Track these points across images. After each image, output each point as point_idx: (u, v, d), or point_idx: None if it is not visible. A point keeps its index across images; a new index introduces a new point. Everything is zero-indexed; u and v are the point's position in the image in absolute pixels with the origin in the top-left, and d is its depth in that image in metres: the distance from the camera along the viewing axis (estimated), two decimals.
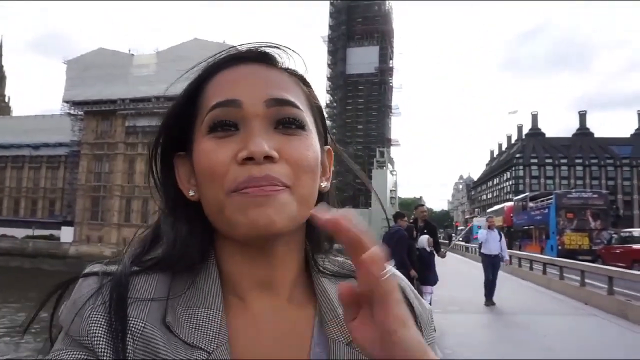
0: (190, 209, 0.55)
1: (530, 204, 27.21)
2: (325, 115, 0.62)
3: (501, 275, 17.72)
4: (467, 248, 30.05)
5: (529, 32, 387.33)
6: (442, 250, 7.89)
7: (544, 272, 13.54)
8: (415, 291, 0.62)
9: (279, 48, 0.57)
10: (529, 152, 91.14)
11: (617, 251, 15.84)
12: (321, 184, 0.57)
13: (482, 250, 9.68)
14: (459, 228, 61.49)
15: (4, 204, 51.94)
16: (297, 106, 0.53)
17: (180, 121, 0.56)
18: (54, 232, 42.83)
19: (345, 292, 0.42)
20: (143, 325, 0.48)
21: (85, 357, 0.47)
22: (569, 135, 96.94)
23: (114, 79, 41.75)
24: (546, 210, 23.28)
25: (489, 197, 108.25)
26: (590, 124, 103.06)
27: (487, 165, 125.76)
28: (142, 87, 40.79)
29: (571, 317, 8.49)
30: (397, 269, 0.46)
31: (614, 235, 18.14)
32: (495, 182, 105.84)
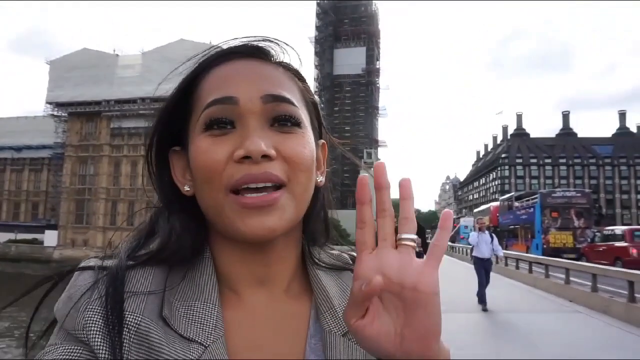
0: (185, 203, 0.56)
1: (516, 204, 27.54)
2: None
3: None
4: (453, 248, 30.29)
5: (513, 33, 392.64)
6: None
7: (530, 270, 13.71)
8: None
9: (273, 42, 0.57)
10: (514, 152, 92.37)
11: (601, 249, 16.12)
12: (317, 178, 0.57)
13: (474, 254, 9.31)
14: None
15: None
16: (293, 103, 0.53)
17: (175, 116, 0.56)
18: (38, 236, 42.09)
19: (375, 288, 0.41)
20: (139, 319, 0.48)
21: (81, 351, 0.46)
22: (553, 135, 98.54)
23: (99, 80, 41.24)
24: (531, 210, 23.58)
25: (475, 197, 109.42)
26: (573, 124, 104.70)
27: (473, 165, 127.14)
28: (128, 88, 40.37)
29: (557, 315, 8.61)
30: None
31: (597, 233, 18.44)
32: (481, 182, 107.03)
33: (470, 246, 9.78)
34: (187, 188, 0.55)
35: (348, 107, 63.72)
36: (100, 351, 0.45)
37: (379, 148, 65.10)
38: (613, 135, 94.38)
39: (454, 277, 13.34)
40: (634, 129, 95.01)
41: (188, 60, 0.57)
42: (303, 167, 0.52)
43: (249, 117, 0.51)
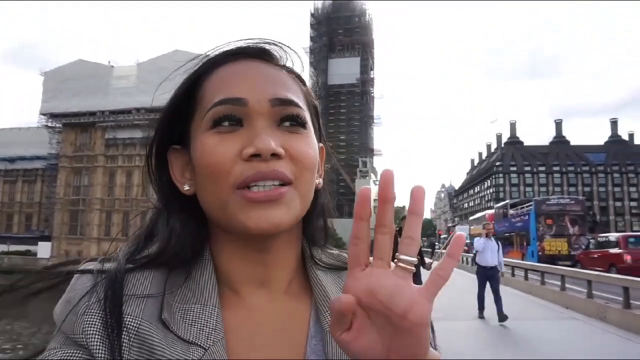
0: (184, 203, 0.55)
1: (511, 211, 27.66)
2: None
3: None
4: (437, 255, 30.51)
5: (506, 42, 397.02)
6: (427, 262, 7.93)
7: (526, 277, 13.75)
8: None
9: (276, 45, 0.57)
10: (508, 160, 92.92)
11: (595, 256, 16.17)
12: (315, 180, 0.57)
13: (477, 261, 8.66)
14: (441, 237, 61.97)
15: None
16: (300, 106, 0.53)
17: (177, 114, 0.56)
18: (31, 247, 41.68)
19: (346, 307, 0.40)
20: (139, 322, 0.47)
21: (80, 355, 0.46)
22: (547, 143, 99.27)
23: (93, 91, 41.19)
24: (526, 217, 23.69)
25: (470, 205, 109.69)
26: (566, 132, 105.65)
27: (468, 173, 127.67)
28: (122, 99, 40.34)
29: (552, 321, 8.63)
30: None
31: (591, 240, 18.53)
32: (476, 190, 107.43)
33: (471, 254, 9.48)
34: (186, 187, 0.55)
35: (343, 116, 63.91)
36: (99, 355, 0.45)
37: (374, 157, 65.29)
38: (605, 143, 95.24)
39: (450, 284, 13.31)
40: (625, 137, 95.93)
41: (181, 67, 0.57)
42: (309, 167, 0.52)
43: (257, 117, 0.51)
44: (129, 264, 0.52)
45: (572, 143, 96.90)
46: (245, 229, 0.49)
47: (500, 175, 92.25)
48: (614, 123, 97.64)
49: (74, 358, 0.46)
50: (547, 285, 12.05)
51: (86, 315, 0.47)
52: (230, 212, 0.50)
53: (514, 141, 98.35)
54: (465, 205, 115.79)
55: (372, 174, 52.24)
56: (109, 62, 43.64)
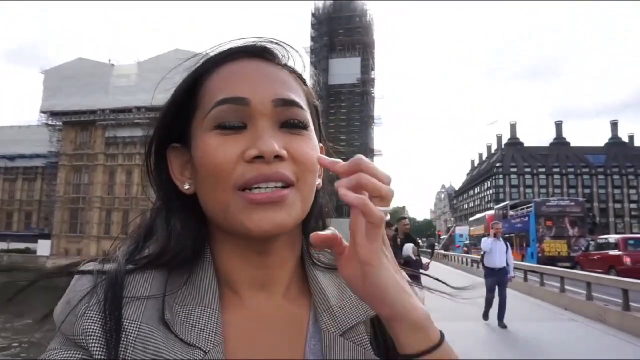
0: (184, 202, 0.55)
1: (511, 213, 27.67)
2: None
3: (481, 282, 18.00)
4: (445, 256, 30.55)
5: (506, 43, 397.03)
6: (424, 263, 7.95)
7: (525, 279, 13.74)
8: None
9: (279, 44, 0.57)
10: (509, 161, 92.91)
11: (595, 257, 16.17)
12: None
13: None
14: (441, 237, 62.02)
15: None
16: (302, 106, 0.54)
17: (177, 112, 0.55)
18: (30, 245, 41.70)
19: (316, 238, 0.46)
20: (138, 324, 0.47)
21: (80, 356, 0.46)
22: (547, 144, 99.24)
23: (94, 89, 41.18)
24: (526, 218, 23.69)
25: (470, 205, 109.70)
26: (566, 133, 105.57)
27: (468, 174, 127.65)
28: (123, 98, 40.34)
29: (552, 323, 8.63)
30: None
31: (591, 242, 18.52)
32: (476, 191, 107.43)
33: (475, 255, 9.24)
34: (186, 186, 0.55)
35: (343, 116, 63.90)
36: (99, 356, 0.45)
37: (374, 157, 65.27)
38: (605, 144, 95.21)
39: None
40: (625, 139, 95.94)
41: (179, 65, 0.57)
42: (311, 168, 0.52)
43: (260, 118, 0.51)
44: (129, 265, 0.52)
45: (572, 144, 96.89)
46: (247, 231, 0.49)
47: (500, 176, 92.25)
48: (614, 125, 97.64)
49: (74, 359, 0.46)
50: (546, 286, 12.05)
51: (86, 316, 0.47)
52: (231, 213, 0.50)
53: (514, 142, 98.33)
54: (465, 206, 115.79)
55: None
56: (110, 61, 43.68)
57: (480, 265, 22.39)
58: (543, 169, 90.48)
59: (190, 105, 0.54)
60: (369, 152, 62.86)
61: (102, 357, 0.45)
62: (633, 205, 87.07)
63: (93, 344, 0.46)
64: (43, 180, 48.00)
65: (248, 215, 0.49)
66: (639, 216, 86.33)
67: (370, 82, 64.67)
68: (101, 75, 41.88)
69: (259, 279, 0.55)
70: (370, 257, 0.44)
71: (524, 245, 23.62)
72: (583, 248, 19.07)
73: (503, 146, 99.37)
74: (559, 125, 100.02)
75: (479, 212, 62.84)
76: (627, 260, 14.42)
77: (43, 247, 40.79)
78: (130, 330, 0.47)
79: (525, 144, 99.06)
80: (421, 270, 0.65)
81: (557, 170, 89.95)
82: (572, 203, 23.30)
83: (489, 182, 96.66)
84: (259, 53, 0.55)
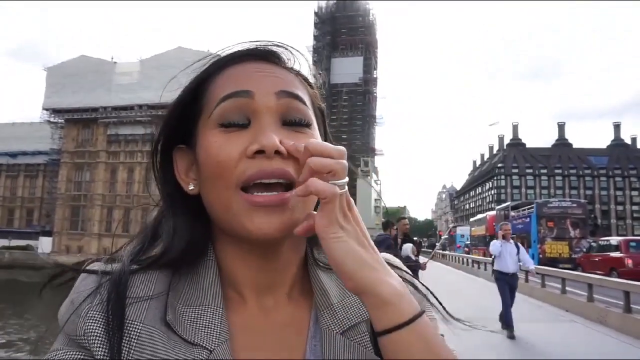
0: (188, 203, 0.55)
1: (512, 213, 27.60)
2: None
3: (482, 283, 18.00)
4: (443, 255, 30.66)
5: (510, 43, 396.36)
6: (421, 262, 7.88)
7: (526, 280, 13.71)
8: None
9: (285, 48, 0.57)
10: (510, 162, 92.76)
11: (596, 259, 16.11)
12: None
13: (495, 267, 7.65)
14: (442, 237, 61.97)
15: None
16: (305, 102, 0.54)
17: (183, 114, 0.56)
18: (32, 242, 41.78)
19: (299, 231, 0.48)
20: (141, 324, 0.48)
21: (82, 357, 0.47)
22: (549, 145, 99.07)
23: (96, 87, 41.25)
24: (527, 219, 23.64)
25: (471, 206, 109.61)
26: (568, 135, 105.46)
27: (469, 175, 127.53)
28: (125, 95, 40.39)
29: (553, 324, 8.60)
30: None
31: (592, 243, 18.46)
32: (477, 192, 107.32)
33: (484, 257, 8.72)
34: (191, 187, 0.55)
35: (345, 115, 63.94)
36: (102, 357, 0.45)
37: (375, 156, 65.30)
38: (608, 146, 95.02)
39: (448, 284, 13.31)
40: (628, 141, 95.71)
41: (188, 67, 0.57)
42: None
43: (263, 112, 0.51)
44: (134, 265, 0.52)
45: (574, 146, 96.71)
46: (248, 233, 0.49)
47: (502, 177, 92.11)
48: (617, 127, 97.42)
49: (77, 359, 0.47)
50: (547, 288, 12.02)
51: (88, 317, 0.47)
52: (233, 215, 0.50)
53: (516, 143, 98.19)
54: (467, 206, 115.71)
55: (373, 174, 52.17)
56: (112, 59, 43.76)
57: (482, 266, 22.31)
58: (545, 170, 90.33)
59: (195, 107, 0.55)
60: (371, 152, 62.84)
61: (105, 358, 0.45)
62: (635, 208, 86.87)
63: (95, 345, 0.46)
64: (45, 178, 48.06)
65: (249, 218, 0.49)
66: None
67: (372, 81, 64.71)
68: (103, 72, 41.94)
69: (262, 281, 0.55)
70: (323, 231, 0.45)
71: (525, 246, 23.53)
72: (584, 250, 19.01)
73: (505, 147, 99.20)
74: (561, 127, 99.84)
75: (481, 212, 62.75)
76: (629, 262, 14.37)
77: (44, 244, 40.87)
78: (133, 331, 0.47)
79: (528, 145, 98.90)
80: (424, 285, 0.63)
81: (559, 171, 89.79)
82: (574, 204, 23.23)
83: (490, 183, 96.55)
84: (265, 56, 0.55)
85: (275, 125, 0.51)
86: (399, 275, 0.57)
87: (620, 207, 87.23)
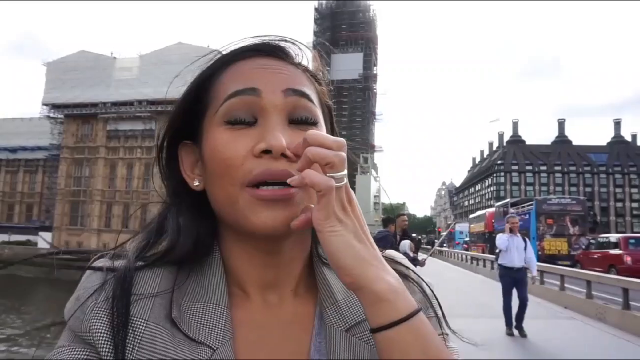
0: (194, 199, 0.55)
1: (511, 210, 27.61)
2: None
3: (481, 279, 18.00)
4: (440, 252, 30.92)
5: (510, 40, 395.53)
6: (420, 259, 7.87)
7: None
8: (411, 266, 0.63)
9: (293, 43, 0.57)
10: (510, 159, 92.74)
11: (595, 256, 16.17)
12: None
13: (500, 261, 7.41)
14: (441, 234, 62.09)
15: None
16: (312, 101, 0.53)
17: (190, 109, 0.55)
18: (31, 237, 41.81)
19: (296, 224, 0.48)
20: (146, 321, 0.48)
21: (88, 353, 0.47)
22: (549, 142, 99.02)
23: (96, 82, 41.17)
24: (526, 216, 23.65)
25: (470, 203, 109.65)
26: (568, 131, 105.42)
27: (469, 171, 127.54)
28: (125, 91, 40.31)
29: (551, 321, 8.63)
30: None
31: (591, 240, 18.51)
32: (477, 189, 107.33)
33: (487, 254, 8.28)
34: (196, 183, 0.55)
35: (345, 112, 63.82)
36: (106, 354, 0.46)
37: (375, 153, 65.27)
38: (608, 143, 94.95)
39: (447, 280, 13.33)
40: (628, 138, 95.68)
41: (192, 63, 0.57)
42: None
43: (271, 111, 0.50)
44: (139, 262, 0.52)
45: (574, 143, 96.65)
46: (253, 228, 0.49)
47: (502, 173, 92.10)
48: (617, 124, 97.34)
49: (83, 356, 0.47)
50: (546, 284, 12.04)
51: (93, 313, 0.47)
52: (238, 210, 0.49)
53: (516, 140, 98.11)
54: (466, 203, 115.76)
55: (373, 170, 52.20)
56: (112, 54, 43.62)
57: (480, 263, 22.30)
58: (544, 167, 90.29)
59: (202, 102, 0.54)
60: (370, 148, 62.80)
61: (109, 354, 0.45)
62: (634, 205, 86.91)
63: (100, 342, 0.46)
64: (44, 173, 48.08)
65: (254, 212, 0.48)
66: None
67: (372, 78, 64.55)
68: (103, 68, 41.84)
69: (267, 277, 0.55)
70: (319, 223, 0.45)
71: None
72: (583, 247, 19.07)
73: (505, 144, 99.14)
74: (561, 124, 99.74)
75: (480, 209, 62.82)
76: (628, 259, 14.41)
77: (44, 240, 40.92)
78: (137, 328, 0.47)
79: (527, 142, 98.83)
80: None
81: (558, 168, 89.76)
82: (574, 202, 23.25)
83: (490, 180, 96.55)
84: (272, 51, 0.55)
85: (282, 123, 0.50)
86: (404, 273, 0.58)
87: (619, 204, 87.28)
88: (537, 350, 6.26)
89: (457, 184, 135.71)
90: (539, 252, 21.18)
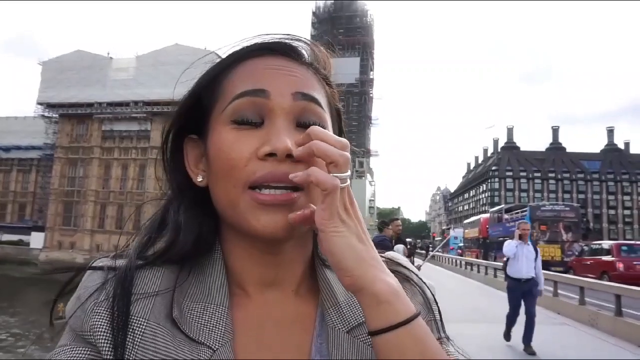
0: (196, 195, 0.55)
1: (505, 216, 27.74)
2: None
3: (475, 285, 18.06)
4: (433, 257, 31.15)
5: (505, 47, 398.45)
6: (416, 264, 7.91)
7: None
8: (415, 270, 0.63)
9: (306, 43, 0.57)
10: (505, 165, 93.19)
11: (588, 263, 16.24)
12: None
13: (508, 272, 6.77)
14: (435, 239, 62.24)
15: None
16: (321, 105, 0.53)
17: (197, 104, 0.55)
18: (24, 237, 41.50)
19: (294, 217, 0.47)
20: (146, 321, 0.48)
21: (89, 352, 0.47)
22: (543, 149, 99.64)
23: (92, 82, 41.00)
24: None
25: (465, 208, 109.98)
26: (562, 139, 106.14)
27: (463, 177, 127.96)
28: (120, 91, 40.19)
29: (544, 327, 8.66)
30: None
31: (584, 247, 18.62)
32: (471, 194, 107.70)
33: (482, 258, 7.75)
34: (200, 178, 0.54)
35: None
36: (107, 353, 0.46)
37: (370, 157, 65.37)
38: (601, 151, 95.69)
39: (443, 286, 13.35)
40: (621, 146, 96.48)
41: (199, 60, 0.57)
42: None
43: (278, 113, 0.50)
44: (139, 260, 0.52)
45: (568, 150, 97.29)
46: (254, 231, 0.49)
47: (496, 179, 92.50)
48: (610, 131, 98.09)
49: (84, 355, 0.47)
50: None
51: (94, 312, 0.47)
52: (239, 212, 0.49)
53: (510, 146, 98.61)
54: (460, 208, 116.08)
55: (368, 175, 52.28)
56: (108, 54, 43.47)
57: (475, 268, 22.32)
58: (539, 174, 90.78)
59: (210, 98, 0.54)
60: (366, 153, 62.92)
61: (110, 353, 0.45)
62: (627, 212, 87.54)
63: (101, 340, 0.46)
64: (38, 173, 47.77)
65: (255, 216, 0.48)
66: (633, 223, 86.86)
67: (369, 82, 64.74)
68: (99, 68, 41.68)
69: (268, 277, 0.54)
70: (322, 223, 0.45)
71: None
72: (576, 253, 19.16)
73: (499, 150, 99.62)
74: (555, 131, 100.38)
75: (474, 214, 63.03)
76: (620, 266, 14.52)
77: (36, 240, 40.60)
78: (138, 328, 0.47)
79: (522, 149, 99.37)
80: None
81: (552, 175, 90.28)
82: (567, 208, 23.42)
83: (484, 185, 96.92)
84: (284, 51, 0.54)
85: (288, 127, 0.50)
86: (406, 275, 0.59)
87: (612, 212, 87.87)
88: (530, 355, 6.28)
89: (452, 190, 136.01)
90: None
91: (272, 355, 0.51)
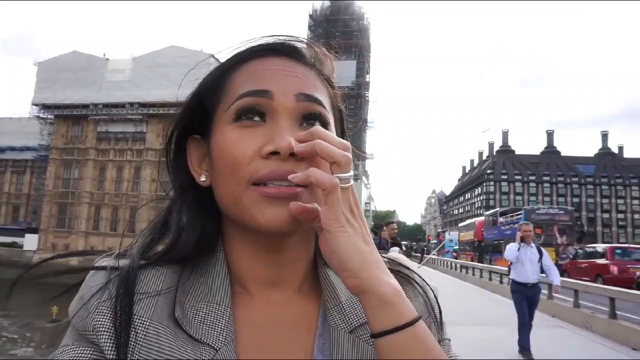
0: (199, 194, 0.55)
1: (500, 219, 27.88)
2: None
3: (470, 287, 18.09)
4: (429, 259, 31.28)
5: (501, 52, 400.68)
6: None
7: (550, 296, 13.83)
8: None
9: (308, 44, 0.58)
10: (500, 168, 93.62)
11: (582, 266, 16.35)
12: None
13: (512, 276, 6.50)
14: (431, 242, 62.34)
15: None
16: (324, 106, 0.53)
17: (201, 105, 0.55)
18: (17, 239, 41.16)
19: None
20: (149, 321, 0.48)
21: (92, 352, 0.47)
22: (538, 153, 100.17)
23: (87, 83, 40.82)
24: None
25: (460, 211, 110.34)
26: (557, 142, 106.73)
27: (459, 180, 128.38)
28: (116, 93, 40.05)
29: (539, 330, 8.68)
30: None
31: (579, 250, 18.73)
32: (466, 197, 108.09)
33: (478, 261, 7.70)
34: (203, 178, 0.55)
35: None
36: (109, 353, 0.46)
37: (366, 160, 65.41)
38: (595, 155, 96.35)
39: (441, 288, 13.34)
40: (615, 150, 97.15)
41: (193, 68, 0.58)
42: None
43: (281, 112, 0.50)
44: (142, 260, 0.52)
45: (562, 154, 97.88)
46: (257, 225, 0.49)
47: (491, 183, 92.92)
48: (604, 136, 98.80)
49: (87, 355, 0.47)
50: None
51: (97, 312, 0.47)
52: (244, 208, 0.49)
53: (505, 150, 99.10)
54: (456, 211, 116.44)
55: (364, 177, 52.36)
56: (104, 55, 43.32)
57: (470, 271, 22.36)
58: (533, 177, 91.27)
59: (213, 98, 0.54)
60: (361, 155, 62.95)
61: (113, 353, 0.46)
62: (620, 216, 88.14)
63: (104, 340, 0.46)
64: (32, 174, 47.45)
65: (259, 209, 0.48)
66: (626, 226, 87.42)
67: (365, 85, 64.86)
68: (95, 69, 41.53)
69: (270, 276, 0.54)
70: (327, 223, 0.45)
71: None
72: (571, 256, 19.27)
73: (495, 153, 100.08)
74: (550, 135, 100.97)
75: (469, 218, 63.18)
76: (614, 269, 14.62)
77: (30, 242, 40.28)
78: (140, 327, 0.47)
79: (517, 152, 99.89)
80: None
81: (547, 178, 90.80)
82: (562, 211, 23.61)
83: (479, 189, 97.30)
84: (288, 52, 0.55)
85: (291, 127, 0.50)
86: (408, 276, 0.59)
87: (606, 215, 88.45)
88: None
89: (447, 193, 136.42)
90: None
91: (274, 355, 0.51)
